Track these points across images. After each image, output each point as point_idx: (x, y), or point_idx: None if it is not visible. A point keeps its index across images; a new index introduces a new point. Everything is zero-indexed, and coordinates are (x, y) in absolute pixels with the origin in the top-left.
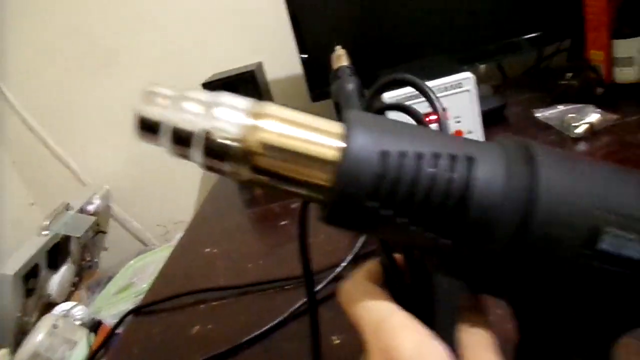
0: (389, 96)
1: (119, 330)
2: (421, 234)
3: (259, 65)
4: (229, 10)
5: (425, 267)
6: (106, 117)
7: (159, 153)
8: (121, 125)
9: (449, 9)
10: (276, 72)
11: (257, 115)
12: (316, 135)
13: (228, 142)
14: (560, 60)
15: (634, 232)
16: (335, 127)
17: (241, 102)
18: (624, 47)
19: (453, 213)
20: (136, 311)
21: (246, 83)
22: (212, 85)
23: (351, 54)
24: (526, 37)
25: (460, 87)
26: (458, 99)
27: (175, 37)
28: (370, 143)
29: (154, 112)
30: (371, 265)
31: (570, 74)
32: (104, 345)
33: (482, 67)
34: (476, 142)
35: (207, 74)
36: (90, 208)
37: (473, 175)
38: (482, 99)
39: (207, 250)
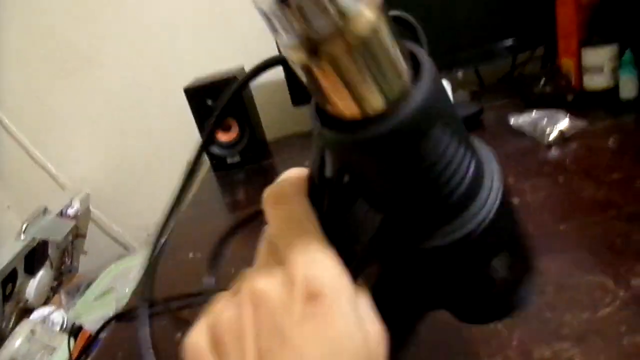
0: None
1: (102, 336)
2: (404, 197)
3: (241, 70)
4: (210, 13)
5: (350, 197)
6: (85, 121)
7: (140, 157)
8: (101, 129)
9: (427, 16)
10: (258, 77)
11: (373, 6)
12: (401, 60)
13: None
14: (534, 67)
15: None
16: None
17: None
18: (593, 56)
19: (444, 197)
20: (119, 317)
21: (227, 88)
22: (194, 90)
23: None
24: (501, 44)
25: None
26: None
27: (156, 40)
28: (432, 103)
29: None
30: (301, 174)
31: (543, 80)
32: (85, 350)
33: (460, 73)
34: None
35: (189, 78)
36: (70, 212)
37: (472, 172)
38: (460, 104)
39: (191, 255)
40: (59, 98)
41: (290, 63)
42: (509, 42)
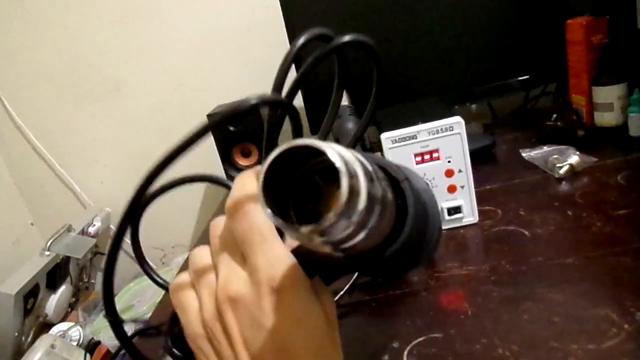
0: (385, 137)
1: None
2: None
3: None
4: (234, 43)
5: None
6: (109, 143)
7: (160, 179)
8: (124, 151)
9: (443, 52)
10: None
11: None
12: None
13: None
14: (546, 102)
15: None
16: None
17: None
18: (603, 94)
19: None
20: (141, 333)
21: (249, 115)
22: (216, 116)
23: (351, 94)
24: (515, 80)
25: (451, 130)
26: (449, 141)
27: (180, 68)
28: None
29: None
30: (253, 179)
31: (555, 115)
32: None
33: (473, 106)
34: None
35: (211, 105)
36: (91, 230)
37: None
38: (473, 137)
39: None
40: (86, 121)
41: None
42: (522, 78)
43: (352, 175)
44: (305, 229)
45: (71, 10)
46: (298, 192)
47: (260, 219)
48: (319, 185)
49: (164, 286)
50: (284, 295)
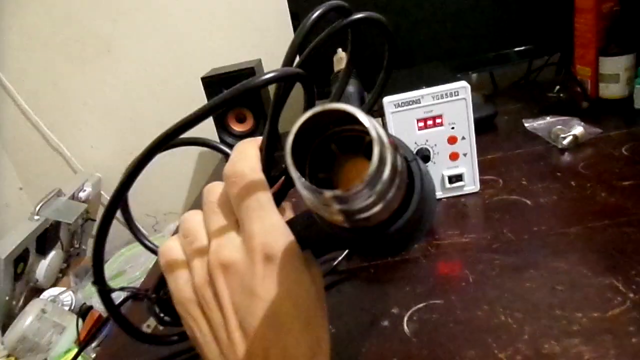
0: (388, 100)
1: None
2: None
3: (259, 63)
4: (230, 5)
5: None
6: (101, 107)
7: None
8: (115, 115)
9: (446, 19)
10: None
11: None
12: None
13: None
14: (548, 74)
15: None
16: None
17: None
18: (610, 65)
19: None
20: (134, 297)
21: (245, 79)
22: (211, 80)
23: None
24: (518, 49)
25: (456, 95)
26: (454, 107)
27: (174, 30)
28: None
29: None
30: (254, 147)
31: (557, 87)
32: (96, 330)
33: (474, 76)
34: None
35: (205, 69)
36: (82, 195)
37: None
38: (474, 107)
39: None
40: (76, 84)
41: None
42: (525, 47)
43: (383, 144)
44: (329, 194)
45: None
46: (314, 159)
47: (258, 187)
48: (334, 154)
49: (154, 250)
50: (278, 263)
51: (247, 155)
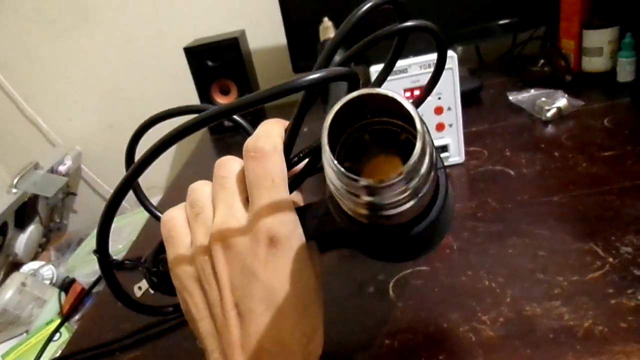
0: (375, 69)
1: (96, 290)
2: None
3: (242, 33)
4: None
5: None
6: (79, 77)
7: (133, 116)
8: (94, 87)
9: None
10: (259, 41)
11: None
12: None
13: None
14: (534, 47)
15: None
16: None
17: None
18: (594, 38)
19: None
20: (119, 267)
21: (229, 50)
22: (194, 50)
23: (337, 27)
24: (503, 22)
25: None
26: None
27: None
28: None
29: None
30: (280, 126)
31: (542, 61)
32: (78, 303)
33: (460, 49)
34: None
35: (188, 39)
36: (62, 169)
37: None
38: (459, 80)
39: None
40: (53, 53)
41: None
42: (510, 20)
43: (425, 139)
44: (363, 182)
45: None
46: (344, 145)
47: (277, 167)
48: (365, 145)
49: (158, 217)
50: (282, 249)
51: (271, 134)
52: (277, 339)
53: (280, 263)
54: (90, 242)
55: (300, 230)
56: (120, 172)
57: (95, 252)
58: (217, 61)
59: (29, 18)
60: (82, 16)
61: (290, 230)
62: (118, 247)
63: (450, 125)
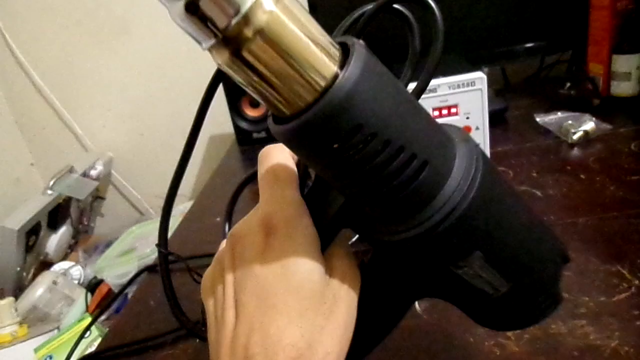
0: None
1: (129, 290)
2: (349, 188)
3: None
4: None
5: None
6: (114, 86)
7: (163, 125)
8: (129, 95)
9: (459, 12)
10: None
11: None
12: (316, 52)
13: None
14: (560, 70)
15: None
16: (336, 52)
17: None
18: (623, 63)
19: (387, 194)
20: (150, 269)
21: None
22: None
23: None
24: (530, 45)
25: (472, 86)
26: (469, 97)
27: None
28: (353, 102)
29: None
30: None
31: (569, 84)
32: (107, 303)
33: (486, 70)
34: (447, 137)
35: None
36: (93, 173)
37: (420, 179)
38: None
39: (218, 219)
40: (92, 62)
41: (222, 69)
42: (537, 44)
43: None
44: None
45: None
46: None
47: (280, 163)
48: None
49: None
50: (279, 235)
51: (281, 146)
52: (263, 341)
53: (276, 253)
54: (119, 245)
55: (305, 220)
56: (148, 179)
57: (157, 245)
58: None
59: (72, 29)
60: (122, 29)
61: (289, 217)
62: (146, 251)
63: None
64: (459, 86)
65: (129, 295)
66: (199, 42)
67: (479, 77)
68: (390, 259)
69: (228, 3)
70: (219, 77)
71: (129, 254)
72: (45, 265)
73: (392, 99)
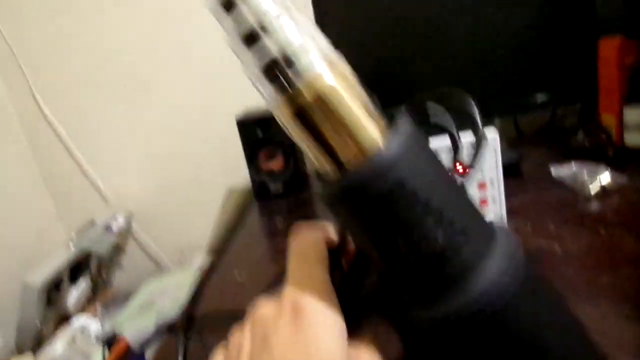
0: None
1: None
2: (383, 259)
3: None
4: None
5: (366, 270)
6: (137, 141)
7: (183, 180)
8: (150, 150)
9: (469, 63)
10: None
11: (331, 65)
12: (365, 119)
13: (292, 70)
14: (572, 119)
15: None
16: (381, 122)
17: (325, 44)
18: (634, 115)
19: (424, 263)
20: (170, 329)
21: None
22: (246, 122)
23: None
24: (540, 97)
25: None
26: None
27: (208, 71)
28: (396, 165)
29: None
30: (331, 230)
31: (582, 134)
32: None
33: (497, 121)
34: (485, 221)
35: (237, 107)
36: (114, 227)
37: (458, 250)
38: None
39: (236, 275)
40: (115, 119)
41: (283, 124)
42: (547, 95)
43: None
44: None
45: (106, 12)
46: None
47: (311, 242)
48: None
49: None
50: (305, 320)
51: (314, 226)
52: None
53: (300, 337)
54: (138, 300)
55: (332, 305)
56: (166, 232)
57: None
58: (266, 131)
59: (97, 89)
60: (144, 87)
61: (315, 301)
62: (164, 306)
63: (494, 201)
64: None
65: (146, 355)
66: (266, 98)
67: (492, 136)
68: (416, 344)
69: (297, 69)
70: None
71: (147, 309)
72: (64, 318)
73: (434, 168)
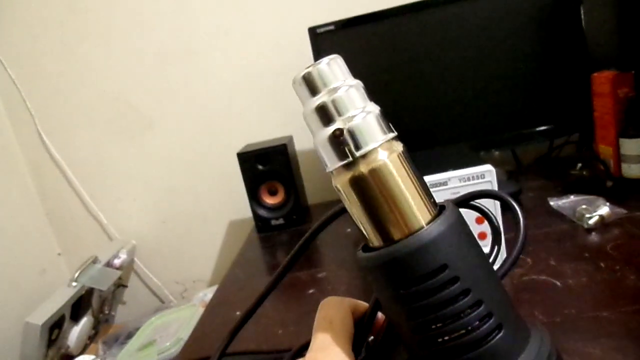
0: None
1: None
2: (416, 339)
3: (290, 139)
4: (264, 85)
5: (394, 345)
6: (139, 177)
7: (185, 215)
8: (152, 186)
9: (467, 99)
10: (305, 145)
11: (389, 150)
12: (416, 199)
13: (354, 141)
14: (570, 150)
15: None
16: (430, 205)
17: (385, 129)
18: (630, 146)
19: (457, 350)
20: None
21: (278, 154)
22: (246, 156)
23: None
24: (538, 129)
25: (482, 178)
26: (480, 188)
27: (211, 108)
28: (439, 246)
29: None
30: (360, 304)
31: (580, 165)
32: None
33: (496, 153)
34: (520, 317)
35: (240, 144)
36: (116, 262)
37: (494, 342)
38: (498, 184)
39: (238, 313)
40: (119, 156)
41: (337, 189)
42: (544, 128)
43: None
44: None
45: (112, 50)
46: None
47: (339, 314)
48: None
49: None
50: None
51: (343, 299)
52: None
53: None
54: (139, 338)
55: None
56: (169, 266)
57: None
58: (267, 165)
59: (101, 126)
60: (147, 125)
61: None
62: (166, 345)
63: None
64: (469, 179)
65: None
66: (326, 164)
67: (488, 170)
68: None
69: (359, 141)
70: (309, 239)
71: (149, 347)
72: (66, 358)
73: (477, 256)
